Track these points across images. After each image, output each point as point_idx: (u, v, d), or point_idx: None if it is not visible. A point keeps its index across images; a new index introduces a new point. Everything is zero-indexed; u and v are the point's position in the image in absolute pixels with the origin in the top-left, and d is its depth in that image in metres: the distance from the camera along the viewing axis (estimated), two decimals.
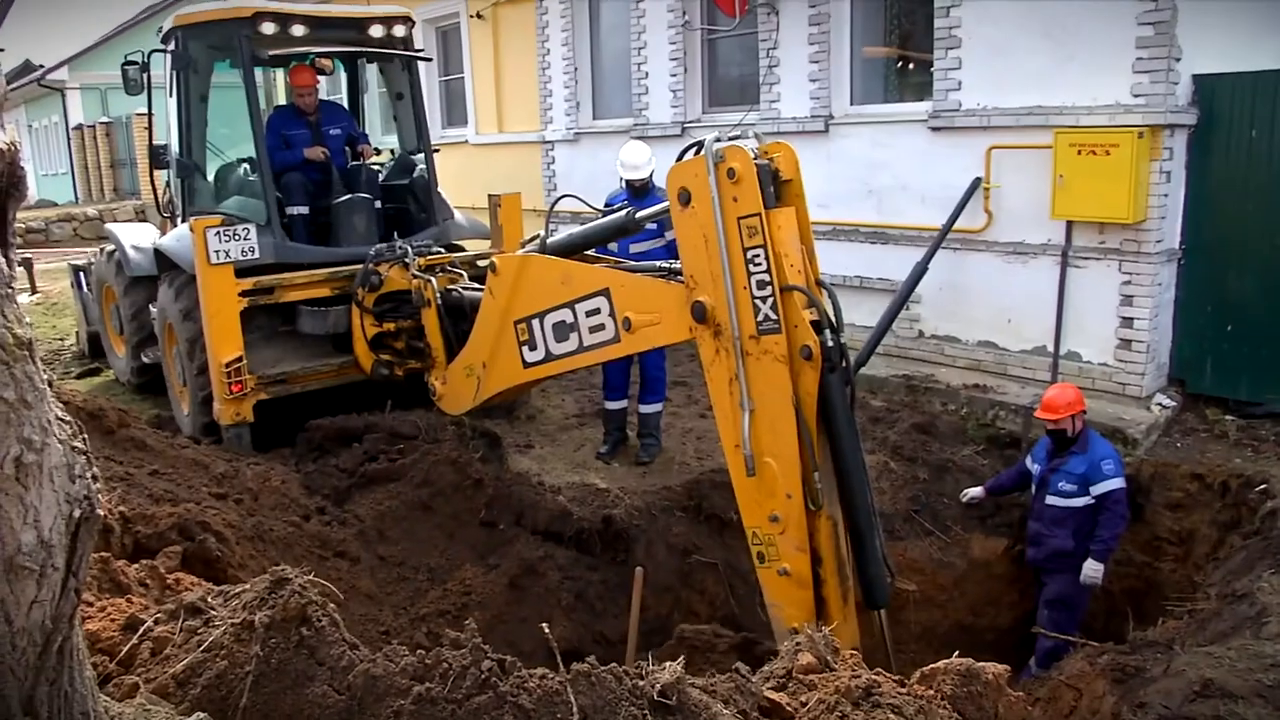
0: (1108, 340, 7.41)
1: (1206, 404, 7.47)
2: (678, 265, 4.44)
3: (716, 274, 4.06)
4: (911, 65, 8.88)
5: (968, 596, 6.41)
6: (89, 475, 1.65)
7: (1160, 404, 7.38)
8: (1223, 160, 7.18)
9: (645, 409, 7.40)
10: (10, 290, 1.51)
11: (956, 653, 3.21)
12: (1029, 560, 6.11)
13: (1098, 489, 5.72)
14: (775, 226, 3.97)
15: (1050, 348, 7.70)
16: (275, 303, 6.96)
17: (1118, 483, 5.72)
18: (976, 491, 6.48)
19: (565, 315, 4.94)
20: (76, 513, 1.61)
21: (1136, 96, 6.96)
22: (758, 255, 3.94)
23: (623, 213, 5.04)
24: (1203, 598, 5.16)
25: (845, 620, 4.11)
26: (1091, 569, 5.67)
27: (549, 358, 5.13)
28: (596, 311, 4.76)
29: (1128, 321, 7.28)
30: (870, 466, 6.70)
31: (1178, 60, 6.87)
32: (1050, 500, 5.89)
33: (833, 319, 4.03)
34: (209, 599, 2.80)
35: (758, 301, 3.97)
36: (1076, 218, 7.35)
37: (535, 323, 5.13)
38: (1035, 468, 6.08)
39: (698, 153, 4.07)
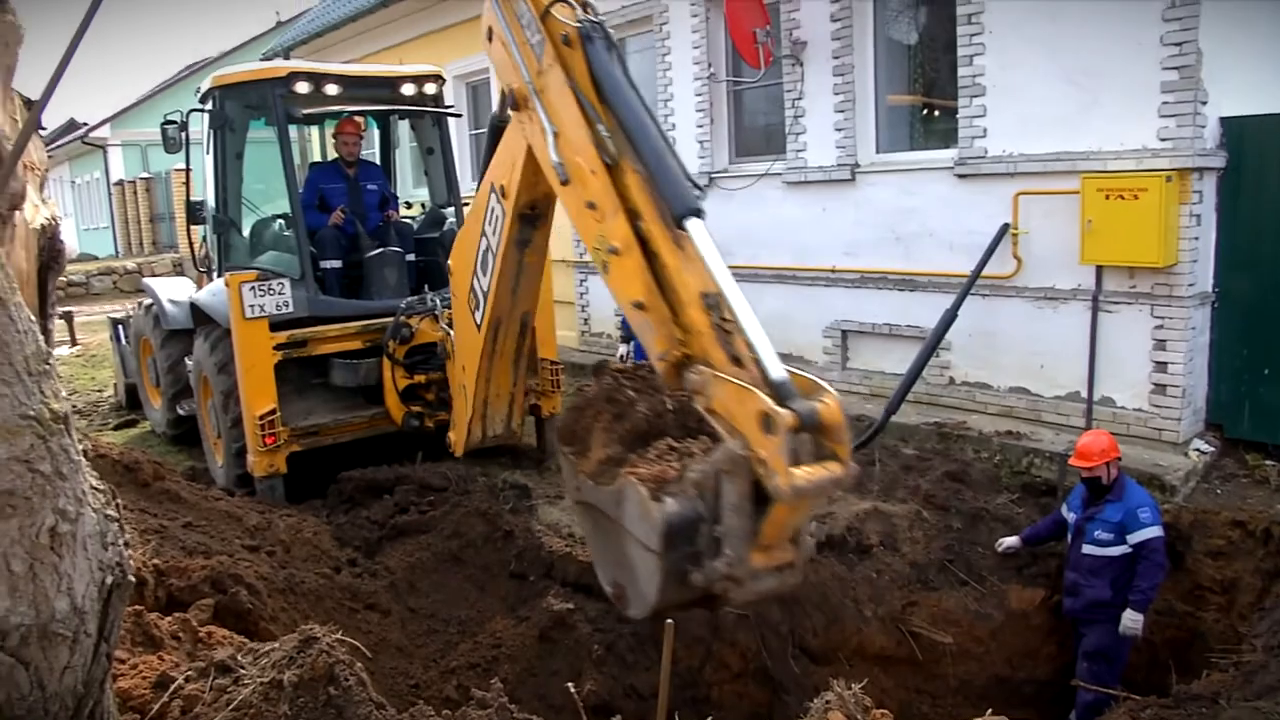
0: (1142, 385, 7.33)
1: (1246, 449, 7.34)
2: None
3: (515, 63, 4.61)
4: (936, 112, 8.92)
5: (1005, 648, 6.29)
6: (121, 542, 1.68)
7: (1198, 450, 7.26)
8: (1253, 202, 7.12)
9: None
10: (49, 366, 1.55)
11: (990, 710, 3.16)
12: (1066, 611, 6.00)
13: (1135, 537, 5.62)
14: None
15: (1084, 393, 7.62)
16: (308, 355, 7.06)
17: (1156, 531, 5.62)
18: (1012, 541, 6.38)
19: (482, 244, 5.66)
20: (109, 579, 1.64)
21: (1164, 140, 6.94)
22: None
23: None
24: (1248, 649, 5.04)
25: (687, 258, 3.93)
26: (1131, 619, 5.56)
27: (485, 295, 5.68)
28: (492, 210, 5.48)
29: (1162, 366, 7.20)
30: (902, 516, 6.66)
31: (1204, 103, 6.85)
32: (1087, 549, 5.79)
33: None
34: (239, 657, 2.81)
35: (529, 35, 4.45)
36: (1106, 262, 7.31)
37: (474, 280, 5.81)
38: (1071, 516, 5.99)
39: None
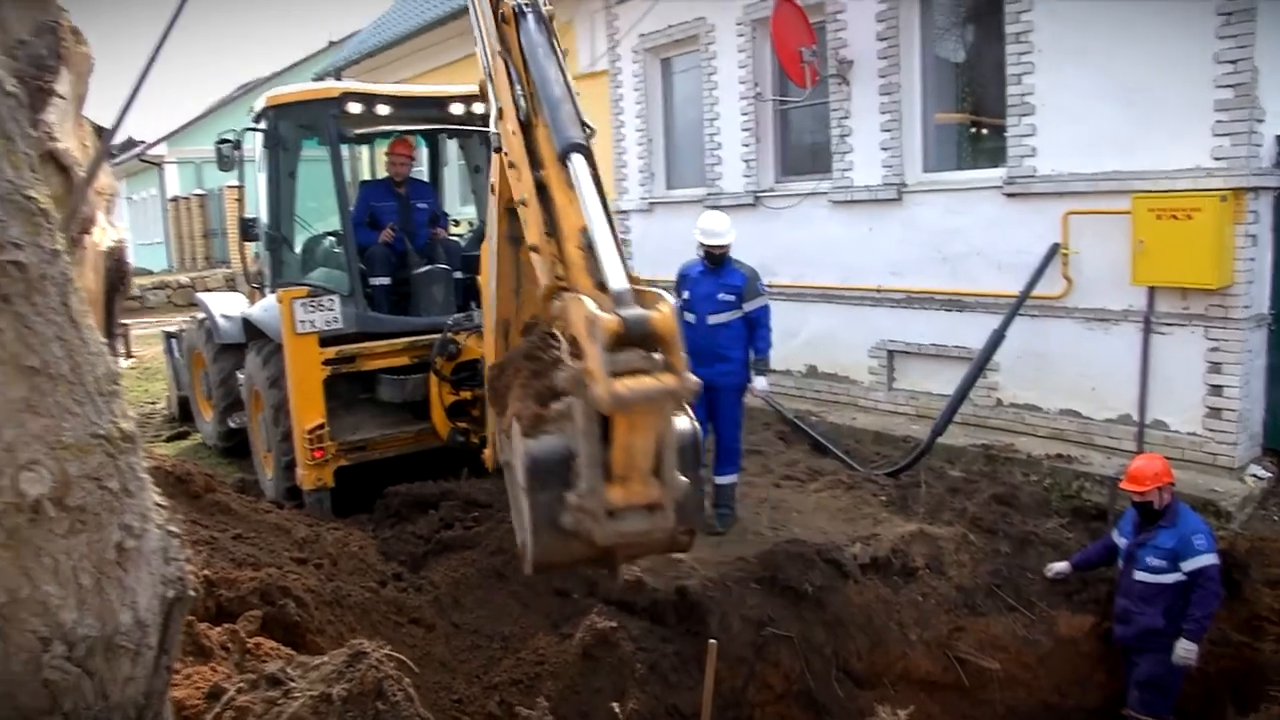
0: (1195, 409, 7.19)
1: None
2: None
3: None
4: (985, 131, 8.86)
5: (1054, 676, 6.19)
6: (182, 558, 1.73)
7: (1254, 475, 7.11)
8: None
9: (721, 480, 7.26)
10: (117, 386, 1.60)
11: None
12: (1117, 639, 5.89)
13: (1189, 565, 5.51)
14: None
15: (1135, 416, 7.49)
16: (356, 371, 7.15)
17: (1210, 558, 5.50)
18: (1062, 566, 6.28)
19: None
20: (170, 594, 1.68)
21: (1218, 160, 6.83)
22: None
23: None
24: None
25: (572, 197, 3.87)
26: (1184, 649, 5.44)
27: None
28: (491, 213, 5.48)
29: (1216, 389, 7.06)
30: (948, 539, 6.59)
31: (1260, 121, 6.73)
32: (1138, 576, 5.68)
33: None
34: (289, 670, 2.86)
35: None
36: (1159, 283, 7.20)
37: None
38: (1122, 542, 5.89)
39: None
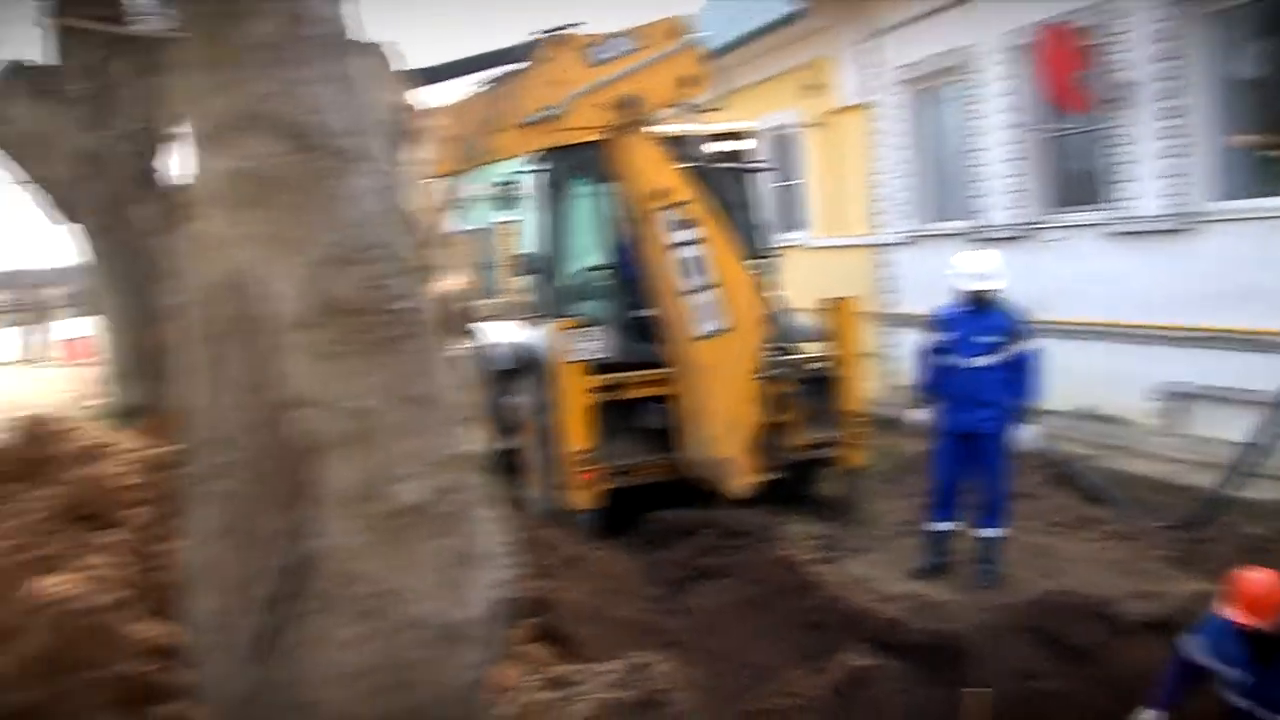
0: None
1: None
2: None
3: None
4: None
5: None
6: (507, 564, 1.96)
7: None
8: None
9: (984, 534, 6.86)
10: (466, 414, 1.87)
11: None
12: None
13: None
14: None
15: None
16: (621, 399, 7.50)
17: None
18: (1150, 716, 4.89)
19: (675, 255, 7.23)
20: (500, 594, 1.91)
21: None
22: None
23: None
24: None
25: None
26: None
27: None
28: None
29: None
30: None
31: None
32: None
33: None
34: (574, 674, 3.08)
35: None
36: None
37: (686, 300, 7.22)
38: (1230, 671, 4.75)
39: None
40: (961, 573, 7.05)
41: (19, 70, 8.28)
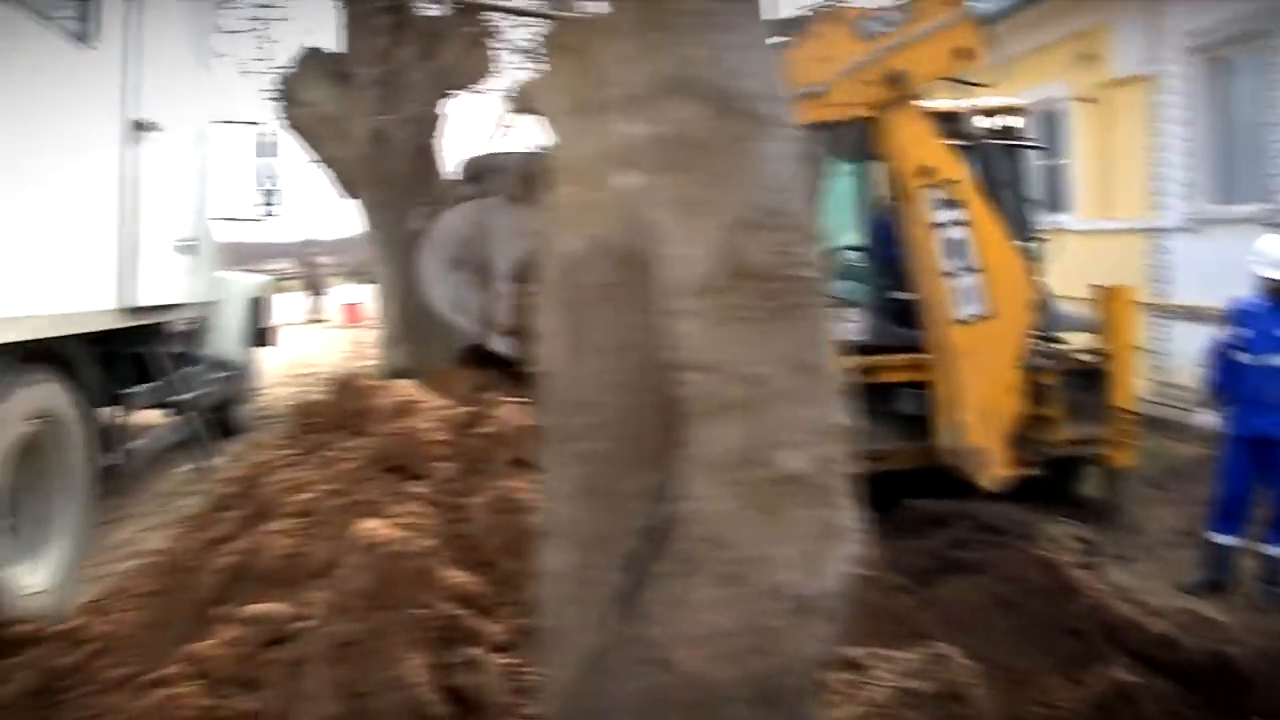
0: None
1: None
2: None
3: None
4: None
5: None
6: (861, 539, 1.95)
7: None
8: None
9: (1275, 551, 6.34)
10: (842, 384, 1.85)
11: None
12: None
13: None
14: None
15: None
16: (875, 382, 7.33)
17: None
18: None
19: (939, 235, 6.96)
20: (850, 569, 1.90)
21: None
22: None
23: None
24: None
25: None
26: None
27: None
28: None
29: None
30: None
31: None
32: None
33: None
34: (867, 660, 3.04)
35: None
36: None
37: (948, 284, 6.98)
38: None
39: None
40: (1242, 592, 6.52)
41: (314, 56, 9.01)
